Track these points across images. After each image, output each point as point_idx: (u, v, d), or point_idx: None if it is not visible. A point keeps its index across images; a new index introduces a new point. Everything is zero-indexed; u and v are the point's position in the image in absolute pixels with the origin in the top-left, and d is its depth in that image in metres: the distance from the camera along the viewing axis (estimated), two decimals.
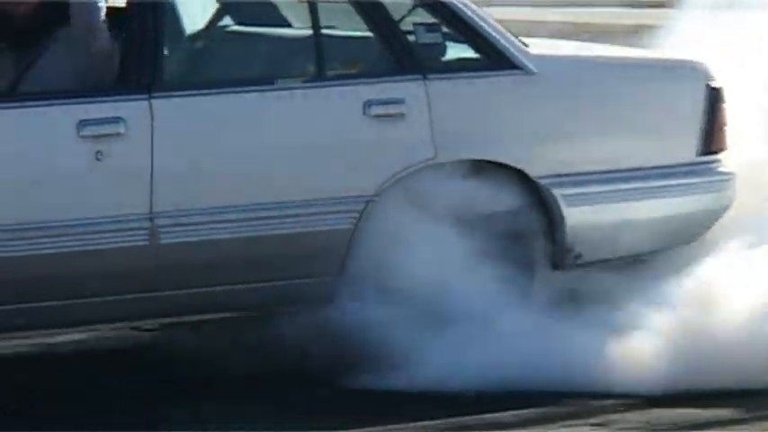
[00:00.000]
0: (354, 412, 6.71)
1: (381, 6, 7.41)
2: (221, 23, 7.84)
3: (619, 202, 7.63)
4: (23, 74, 7.05)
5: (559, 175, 7.47)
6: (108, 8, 7.28)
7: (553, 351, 6.92)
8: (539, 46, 8.09)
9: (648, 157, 7.73)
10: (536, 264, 7.52)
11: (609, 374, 6.85)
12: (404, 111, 7.28)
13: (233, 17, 7.80)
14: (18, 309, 6.69)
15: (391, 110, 7.27)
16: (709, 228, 7.80)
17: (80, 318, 7.12)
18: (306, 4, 7.48)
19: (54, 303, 6.81)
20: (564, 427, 6.63)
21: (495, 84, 7.54)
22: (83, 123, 6.77)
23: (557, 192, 7.42)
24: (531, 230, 7.50)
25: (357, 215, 7.19)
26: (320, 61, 7.41)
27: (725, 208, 7.88)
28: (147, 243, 6.92)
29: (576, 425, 6.70)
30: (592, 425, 6.61)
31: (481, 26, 7.52)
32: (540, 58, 7.70)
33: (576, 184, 7.50)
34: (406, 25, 7.57)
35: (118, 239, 6.89)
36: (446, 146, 7.29)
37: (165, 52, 7.20)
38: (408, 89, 7.33)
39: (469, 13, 7.55)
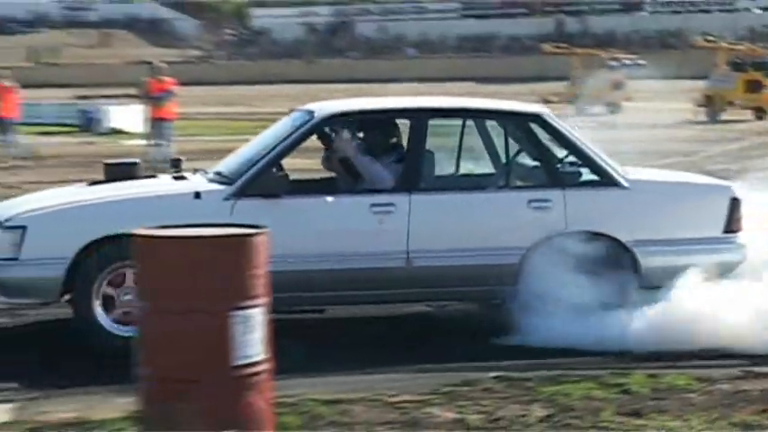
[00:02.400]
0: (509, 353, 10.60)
1: (547, 150, 11.92)
2: (447, 154, 12.53)
3: (672, 256, 11.41)
4: (349, 184, 11.85)
5: (638, 241, 11.43)
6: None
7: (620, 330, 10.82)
8: (631, 172, 12.07)
9: (692, 233, 11.65)
10: (627, 285, 11.23)
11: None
12: (550, 206, 11.40)
13: (451, 148, 12.64)
14: (332, 295, 11.42)
15: (543, 205, 11.42)
16: (729, 273, 11.53)
17: (367, 300, 11.84)
18: (503, 149, 12.06)
19: (353, 293, 11.42)
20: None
21: (604, 193, 11.67)
22: (375, 207, 11.28)
23: (636, 249, 11.43)
24: (622, 268, 11.33)
25: (521, 257, 11.31)
26: (507, 178, 11.97)
27: (737, 263, 11.71)
28: (404, 265, 11.29)
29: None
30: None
31: (600, 164, 11.67)
32: (631, 180, 11.75)
33: (648, 245, 11.47)
34: (560, 160, 12.02)
35: (388, 264, 11.29)
36: (573, 224, 11.37)
37: (416, 173, 11.58)
38: (553, 195, 11.48)
39: (596, 158, 11.76)
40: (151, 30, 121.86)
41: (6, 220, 10.89)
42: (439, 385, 8.96)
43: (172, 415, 7.37)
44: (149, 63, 38.60)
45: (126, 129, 39.83)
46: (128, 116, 39.61)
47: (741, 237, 11.53)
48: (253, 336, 7.42)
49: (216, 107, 47.63)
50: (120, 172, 12.32)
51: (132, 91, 39.65)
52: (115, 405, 8.23)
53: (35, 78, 61.64)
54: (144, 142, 31.47)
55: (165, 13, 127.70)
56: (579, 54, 71.49)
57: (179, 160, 12.44)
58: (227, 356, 7.35)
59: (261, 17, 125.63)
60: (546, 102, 52.39)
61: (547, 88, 56.41)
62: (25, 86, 36.80)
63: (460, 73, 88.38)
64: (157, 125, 31.34)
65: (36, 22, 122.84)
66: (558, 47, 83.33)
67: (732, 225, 11.45)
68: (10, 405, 8.62)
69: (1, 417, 8.32)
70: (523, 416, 8.10)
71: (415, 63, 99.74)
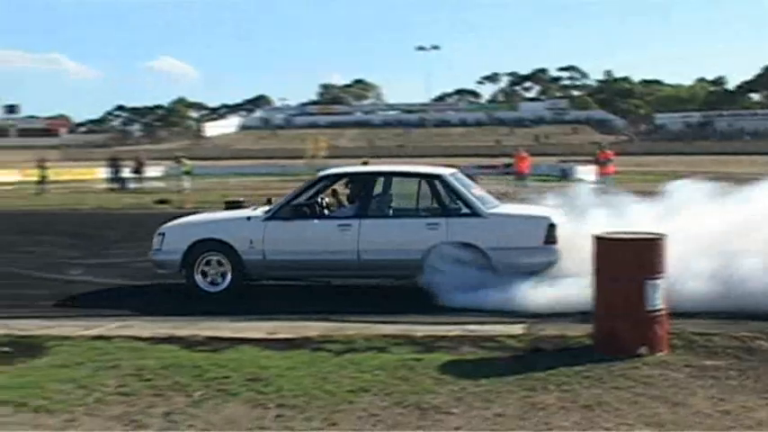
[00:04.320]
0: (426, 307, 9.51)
1: (440, 195, 11.22)
2: (383, 196, 11.82)
3: (510, 256, 10.48)
4: (331, 212, 11.77)
5: (490, 247, 10.57)
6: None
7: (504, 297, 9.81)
8: (499, 208, 11.32)
9: (523, 243, 10.61)
10: (484, 271, 10.38)
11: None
12: (439, 228, 10.78)
13: (388, 193, 11.94)
14: (318, 273, 11.31)
15: (435, 227, 10.80)
16: (548, 268, 10.35)
17: (337, 276, 11.38)
18: (417, 194, 11.68)
19: (329, 272, 11.21)
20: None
21: (471, 220, 10.83)
22: (340, 225, 11.07)
23: (489, 251, 10.56)
24: (481, 262, 10.49)
25: (424, 254, 10.60)
26: (417, 210, 11.45)
27: (553, 262, 10.43)
28: (356, 258, 10.92)
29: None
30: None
31: (472, 203, 10.99)
32: (489, 212, 10.96)
33: (496, 249, 10.54)
34: (448, 201, 11.21)
35: (347, 257, 10.94)
36: (451, 237, 10.69)
37: (365, 207, 11.32)
38: (441, 221, 10.86)
39: (470, 199, 11.06)
40: (599, 124, 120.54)
41: (159, 228, 11.76)
42: (762, 327, 8.22)
43: (611, 337, 7.36)
44: (598, 143, 38.40)
45: (585, 179, 39.52)
46: (587, 172, 39.33)
47: (556, 246, 10.51)
48: (657, 293, 7.32)
49: (634, 167, 46.78)
50: (233, 206, 13.73)
51: (589, 158, 39.62)
52: (582, 328, 8.02)
53: (538, 150, 62.32)
54: (596, 187, 31.43)
55: (607, 115, 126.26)
56: None
57: (270, 199, 12.64)
58: (644, 305, 7.27)
59: (660, 118, 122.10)
60: None
61: None
62: (532, 155, 37.18)
63: None
64: (602, 178, 31.52)
65: (537, 121, 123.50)
66: None
67: (549, 239, 10.55)
68: (521, 325, 8.64)
69: (516, 331, 8.34)
70: None
71: (750, 144, 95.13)
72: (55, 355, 7.54)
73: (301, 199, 11.53)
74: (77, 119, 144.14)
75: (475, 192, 11.46)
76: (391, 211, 11.45)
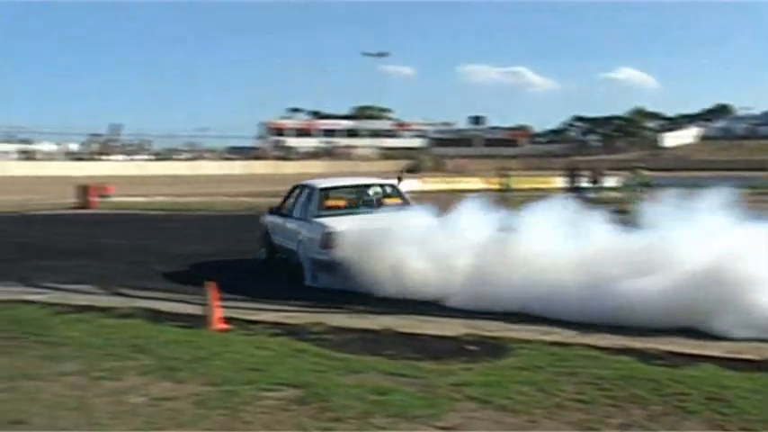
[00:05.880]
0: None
1: (311, 203, 13.93)
2: (299, 202, 14.64)
3: (305, 254, 13.17)
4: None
5: (303, 246, 13.24)
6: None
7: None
8: (341, 217, 13.25)
9: (312, 244, 12.94)
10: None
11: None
12: (302, 228, 13.62)
13: (300, 199, 14.69)
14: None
15: (302, 227, 13.67)
16: (331, 266, 12.38)
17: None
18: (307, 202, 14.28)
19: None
20: None
21: (305, 223, 13.57)
22: (283, 221, 14.70)
23: (299, 249, 13.35)
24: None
25: (296, 246, 13.35)
26: (303, 214, 14.08)
27: (332, 261, 12.27)
28: (297, 248, 13.35)
29: None
30: None
31: (310, 210, 13.67)
32: (312, 219, 13.32)
33: (303, 248, 13.27)
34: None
35: (293, 246, 13.64)
36: (301, 236, 13.60)
37: (290, 209, 14.70)
38: (304, 223, 13.61)
39: (312, 208, 13.76)
40: None
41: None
42: None
43: None
44: None
45: None
46: None
47: (333, 250, 12.20)
48: None
49: None
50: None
51: None
52: None
53: None
54: None
55: None
56: None
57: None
58: None
59: None
60: None
61: None
62: None
63: None
64: None
65: None
66: None
67: (324, 244, 12.38)
68: None
69: None
70: None
71: None
72: (516, 357, 7.89)
73: (288, 202, 15.04)
74: (537, 129, 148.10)
75: (333, 203, 13.84)
76: (294, 213, 14.26)
